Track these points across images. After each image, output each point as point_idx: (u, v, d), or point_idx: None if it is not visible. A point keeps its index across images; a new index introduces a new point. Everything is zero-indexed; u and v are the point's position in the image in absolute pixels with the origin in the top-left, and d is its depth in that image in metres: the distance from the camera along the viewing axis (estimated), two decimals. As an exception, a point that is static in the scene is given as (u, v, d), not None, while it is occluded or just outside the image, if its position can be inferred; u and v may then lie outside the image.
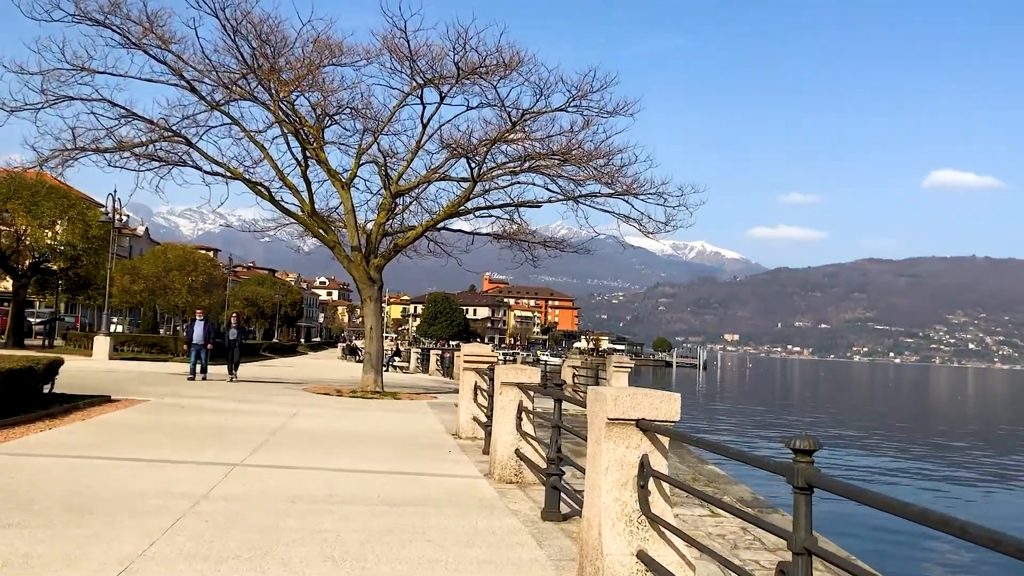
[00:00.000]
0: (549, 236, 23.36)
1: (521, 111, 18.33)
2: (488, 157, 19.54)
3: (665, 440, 4.68)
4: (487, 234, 23.16)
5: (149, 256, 65.90)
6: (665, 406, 4.63)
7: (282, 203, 20.48)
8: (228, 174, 18.50)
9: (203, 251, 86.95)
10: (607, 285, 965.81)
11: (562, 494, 6.84)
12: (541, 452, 8.27)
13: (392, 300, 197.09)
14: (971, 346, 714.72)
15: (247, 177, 18.91)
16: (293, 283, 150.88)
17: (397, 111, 20.82)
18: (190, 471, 7.97)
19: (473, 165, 18.90)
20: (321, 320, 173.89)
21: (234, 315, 23.62)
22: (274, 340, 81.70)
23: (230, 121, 18.51)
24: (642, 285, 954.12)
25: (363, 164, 22.15)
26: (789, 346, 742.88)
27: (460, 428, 12.62)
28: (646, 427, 4.60)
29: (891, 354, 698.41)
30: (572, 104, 17.94)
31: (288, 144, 19.16)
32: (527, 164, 19.94)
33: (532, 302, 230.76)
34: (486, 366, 12.30)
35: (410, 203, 22.19)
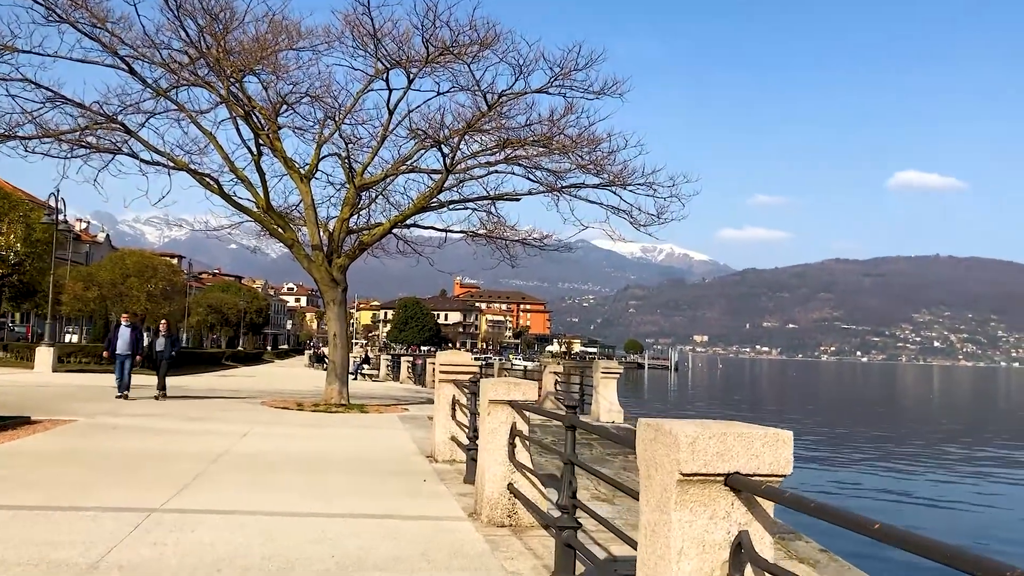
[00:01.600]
0: (528, 234, 21.63)
1: (498, 94, 16.62)
2: (462, 145, 17.81)
3: (769, 506, 2.99)
4: (461, 231, 21.41)
5: (106, 262, 63.38)
6: (769, 452, 2.95)
7: (235, 198, 18.58)
8: (171, 164, 16.53)
9: (166, 257, 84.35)
10: (577, 288, 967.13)
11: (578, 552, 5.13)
12: (541, 488, 6.57)
13: (362, 305, 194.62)
14: (936, 344, 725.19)
15: (193, 168, 16.97)
16: (260, 290, 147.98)
17: (361, 97, 19.07)
18: (88, 524, 6.14)
19: (446, 153, 17.13)
20: (289, 327, 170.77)
21: (163, 321, 20.07)
22: (238, 348, 79.25)
23: (175, 107, 16.55)
24: (612, 288, 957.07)
25: (324, 157, 20.34)
26: (758, 346, 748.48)
27: (436, 449, 10.88)
28: (742, 486, 2.91)
29: (858, 353, 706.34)
30: (555, 83, 16.25)
31: (239, 131, 17.25)
32: (504, 154, 18.25)
33: (504, 306, 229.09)
34: (467, 377, 10.59)
35: (376, 197, 20.40)
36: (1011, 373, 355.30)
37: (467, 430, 9.58)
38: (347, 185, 19.65)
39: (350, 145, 18.54)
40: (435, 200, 18.49)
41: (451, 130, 16.65)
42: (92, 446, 10.39)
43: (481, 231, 21.29)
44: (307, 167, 19.08)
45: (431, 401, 23.38)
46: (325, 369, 37.03)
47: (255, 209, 18.40)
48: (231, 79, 15.98)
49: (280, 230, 18.63)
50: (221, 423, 14.01)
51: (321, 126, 19.56)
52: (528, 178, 18.27)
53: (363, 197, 19.92)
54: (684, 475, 2.91)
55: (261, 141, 16.94)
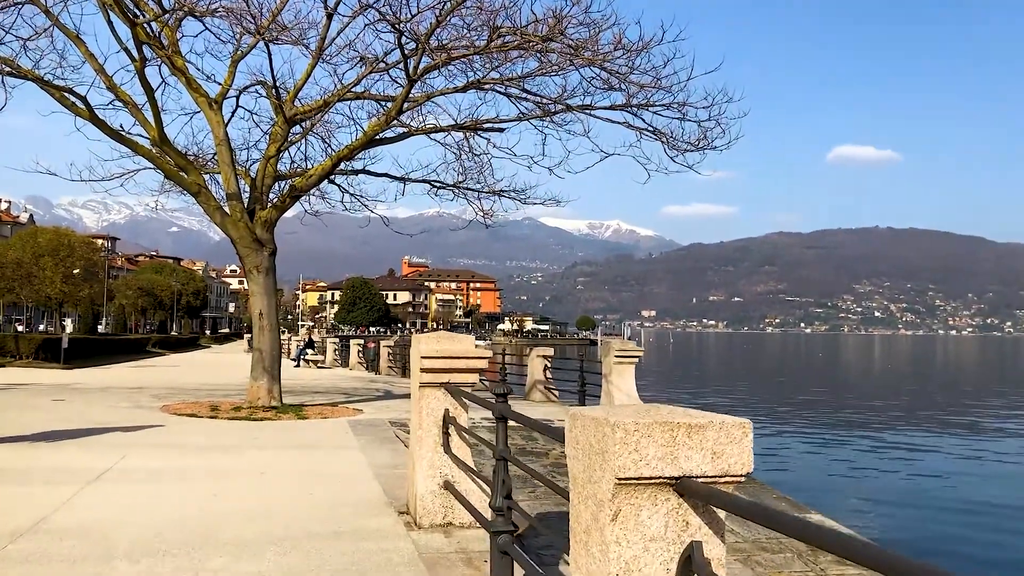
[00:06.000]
0: (507, 183, 17.02)
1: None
2: (427, 56, 13.08)
3: None
4: (424, 180, 16.78)
5: (15, 240, 57.28)
6: None
7: (122, 132, 13.58)
8: (6, 70, 11.49)
9: (98, 239, 77.74)
10: (525, 267, 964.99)
11: None
12: None
13: (308, 287, 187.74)
14: (877, 314, 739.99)
15: (46, 79, 11.92)
16: (200, 272, 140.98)
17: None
18: None
19: (407, 50, 12.30)
20: (232, 310, 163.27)
21: None
22: (171, 333, 73.30)
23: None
24: (559, 265, 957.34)
25: (247, 88, 15.49)
26: (704, 320, 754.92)
27: (416, 503, 6.25)
28: None
29: (802, 324, 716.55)
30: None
31: (112, 28, 12.16)
32: (485, 67, 13.60)
33: (454, 285, 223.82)
34: (471, 378, 6.03)
35: (308, 130, 15.59)
36: (949, 341, 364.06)
37: (485, 487, 5.05)
38: (275, 117, 14.82)
39: (272, 45, 13.51)
40: (395, 123, 13.73)
41: (419, 9, 11.75)
42: None
43: (448, 180, 16.74)
44: (218, 91, 14.19)
45: (390, 395, 18.73)
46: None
47: (146, 144, 13.46)
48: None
49: (182, 173, 13.70)
50: (76, 450, 9.19)
51: (237, 40, 14.68)
52: (523, 92, 13.52)
53: (296, 132, 15.11)
54: None
55: (143, 40, 11.90)
